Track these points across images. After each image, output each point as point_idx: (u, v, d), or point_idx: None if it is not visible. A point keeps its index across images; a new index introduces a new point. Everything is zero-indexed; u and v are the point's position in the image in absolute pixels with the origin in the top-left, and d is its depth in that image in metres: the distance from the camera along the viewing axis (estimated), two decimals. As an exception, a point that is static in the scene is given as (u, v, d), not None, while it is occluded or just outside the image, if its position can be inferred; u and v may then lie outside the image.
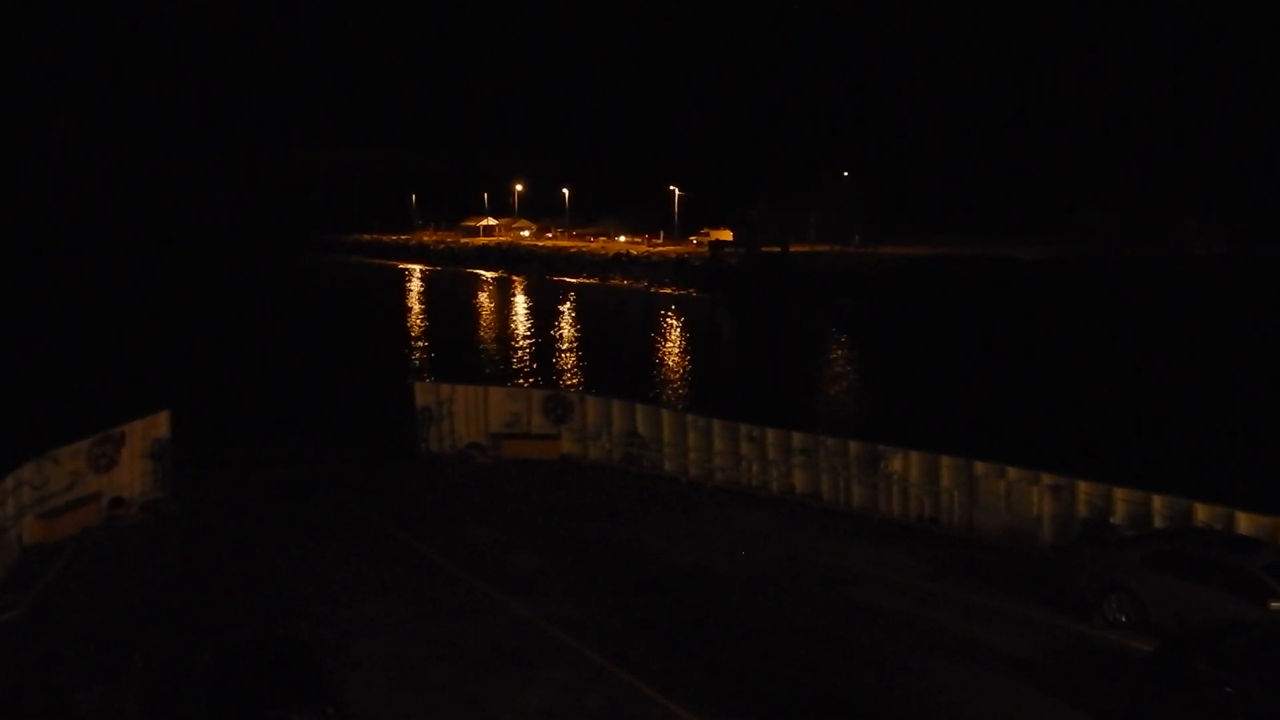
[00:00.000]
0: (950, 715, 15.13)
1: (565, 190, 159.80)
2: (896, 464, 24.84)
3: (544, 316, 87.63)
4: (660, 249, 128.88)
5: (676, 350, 68.04)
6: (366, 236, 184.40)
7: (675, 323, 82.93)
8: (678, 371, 59.67)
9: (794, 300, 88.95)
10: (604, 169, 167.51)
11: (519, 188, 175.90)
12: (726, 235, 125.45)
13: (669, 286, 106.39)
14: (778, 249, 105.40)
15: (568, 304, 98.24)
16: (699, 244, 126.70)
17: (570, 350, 68.35)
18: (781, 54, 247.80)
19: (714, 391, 51.18)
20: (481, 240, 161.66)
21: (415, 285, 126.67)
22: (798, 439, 26.92)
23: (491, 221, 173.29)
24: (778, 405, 39.98)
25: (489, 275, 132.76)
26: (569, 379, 57.18)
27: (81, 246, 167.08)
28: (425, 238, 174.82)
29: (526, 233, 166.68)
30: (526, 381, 55.33)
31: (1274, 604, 15.98)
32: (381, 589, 20.56)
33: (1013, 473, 22.92)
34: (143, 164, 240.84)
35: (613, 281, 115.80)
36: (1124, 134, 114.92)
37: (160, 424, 27.56)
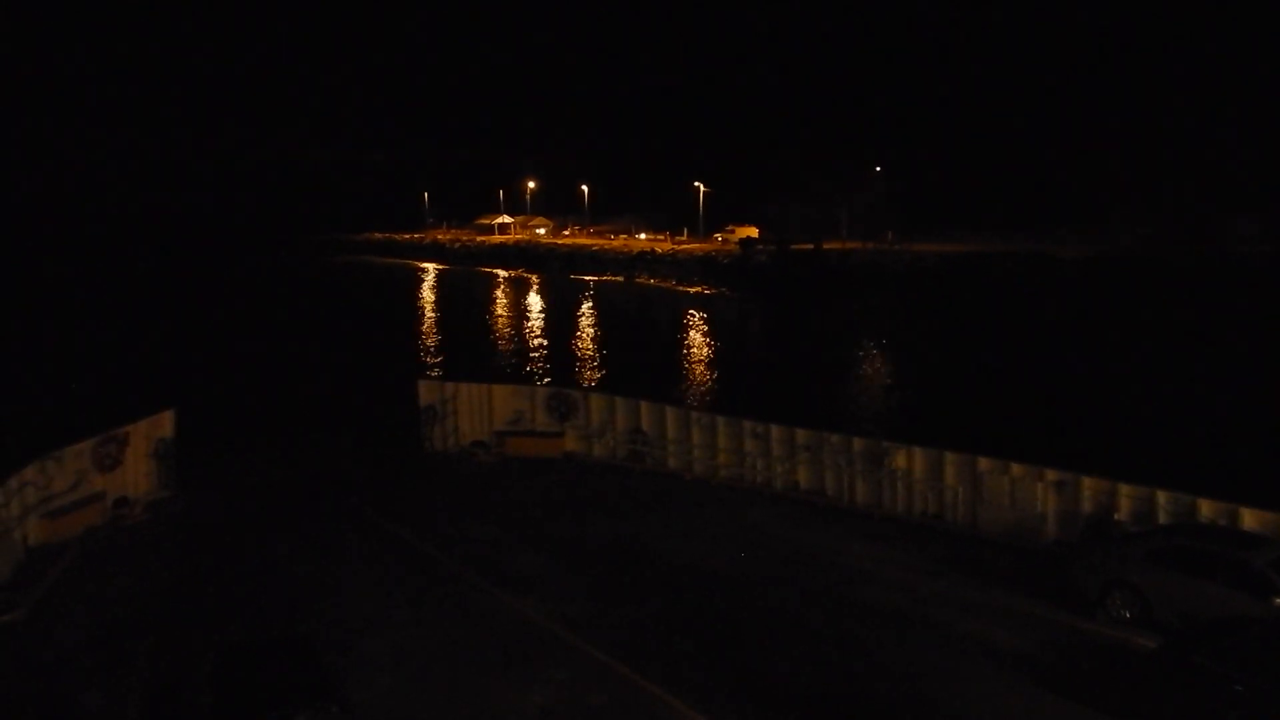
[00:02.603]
0: (954, 711, 15.06)
1: (585, 187, 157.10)
2: (901, 460, 24.70)
3: (567, 317, 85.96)
4: (685, 246, 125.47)
5: (704, 352, 66.65)
6: (379, 235, 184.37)
7: (703, 323, 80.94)
8: (706, 374, 58.65)
9: (828, 299, 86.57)
10: (619, 165, 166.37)
11: (532, 185, 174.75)
12: (752, 232, 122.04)
13: (698, 285, 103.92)
14: (809, 246, 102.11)
15: (590, 303, 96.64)
16: (724, 241, 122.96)
17: (593, 351, 67.41)
18: (807, 46, 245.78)
19: (742, 395, 49.94)
20: (499, 238, 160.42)
21: (430, 284, 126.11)
22: (802, 435, 26.79)
23: (507, 219, 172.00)
24: (801, 407, 39.35)
25: (506, 274, 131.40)
26: (590, 379, 56.46)
27: (88, 246, 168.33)
28: (440, 236, 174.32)
29: (542, 230, 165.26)
30: (555, 380, 54.73)
31: (1278, 600, 15.84)
32: (385, 587, 20.59)
33: (1017, 469, 22.77)
34: (152, 163, 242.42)
35: (638, 280, 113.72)
36: (1163, 129, 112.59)
37: (164, 423, 27.65)
